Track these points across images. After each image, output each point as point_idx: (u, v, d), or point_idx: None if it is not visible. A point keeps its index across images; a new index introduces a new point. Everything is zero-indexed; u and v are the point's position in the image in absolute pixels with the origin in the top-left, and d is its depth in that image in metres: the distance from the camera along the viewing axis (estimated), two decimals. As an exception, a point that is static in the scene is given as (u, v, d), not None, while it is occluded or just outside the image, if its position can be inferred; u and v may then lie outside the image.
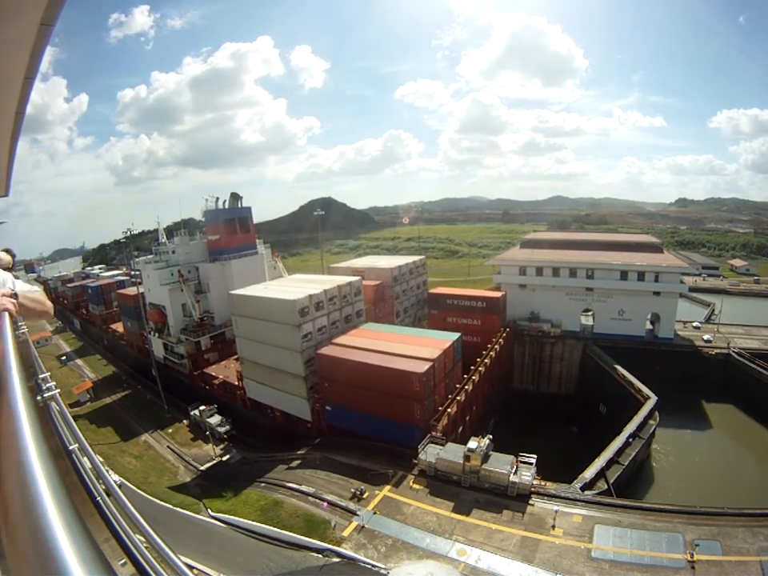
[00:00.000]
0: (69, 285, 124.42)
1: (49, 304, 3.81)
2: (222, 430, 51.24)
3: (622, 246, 71.96)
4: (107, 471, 3.75)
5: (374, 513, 30.31)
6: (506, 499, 30.44)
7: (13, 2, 2.93)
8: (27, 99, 4.37)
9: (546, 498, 30.55)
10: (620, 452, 37.25)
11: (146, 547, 2.74)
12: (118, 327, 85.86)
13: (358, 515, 30.21)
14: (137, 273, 71.69)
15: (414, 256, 74.42)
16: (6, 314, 3.05)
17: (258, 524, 32.12)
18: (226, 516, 34.81)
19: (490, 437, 33.91)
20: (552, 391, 63.51)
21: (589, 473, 33.88)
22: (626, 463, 36.04)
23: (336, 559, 27.10)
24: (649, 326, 63.28)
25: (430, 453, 34.09)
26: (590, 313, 64.93)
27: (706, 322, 74.81)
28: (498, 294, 61.22)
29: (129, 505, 3.26)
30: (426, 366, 37.10)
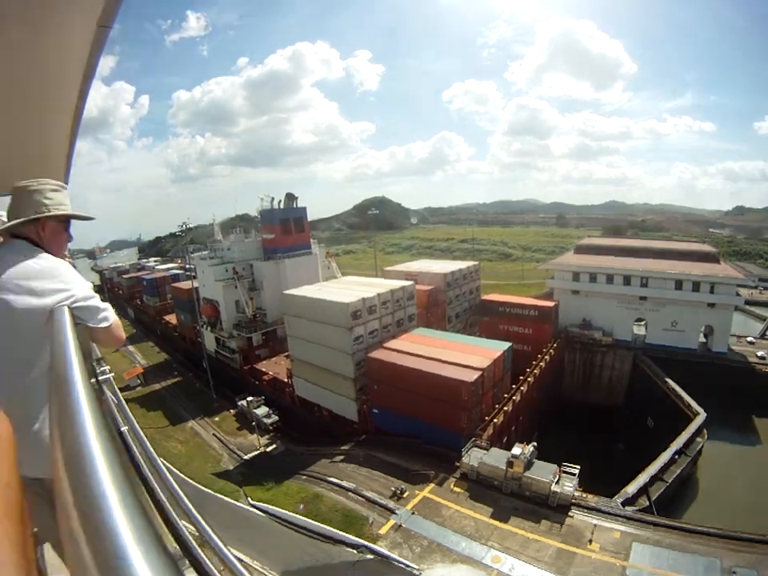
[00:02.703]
0: (124, 276, 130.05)
1: (123, 336, 3.46)
2: (268, 421, 52.40)
3: (677, 254, 69.05)
4: (155, 454, 3.73)
5: (413, 513, 30.62)
6: (546, 509, 30.22)
7: (71, 6, 3.30)
8: (86, 97, 4.71)
9: (585, 510, 30.11)
10: (664, 469, 36.12)
11: (191, 533, 2.76)
12: (172, 319, 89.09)
13: (396, 514, 30.63)
14: (191, 267, 74.40)
15: (467, 261, 73.31)
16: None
17: (297, 515, 32.88)
18: (265, 505, 35.76)
19: (535, 444, 33.70)
20: (600, 401, 61.81)
21: (631, 488, 33.02)
22: (670, 481, 35.00)
23: (370, 556, 27.56)
24: (702, 338, 60.89)
25: (474, 456, 34.09)
26: (642, 322, 63.06)
27: (761, 337, 70.76)
28: (550, 303, 60.13)
29: (176, 488, 3.25)
30: (475, 376, 36.92)
